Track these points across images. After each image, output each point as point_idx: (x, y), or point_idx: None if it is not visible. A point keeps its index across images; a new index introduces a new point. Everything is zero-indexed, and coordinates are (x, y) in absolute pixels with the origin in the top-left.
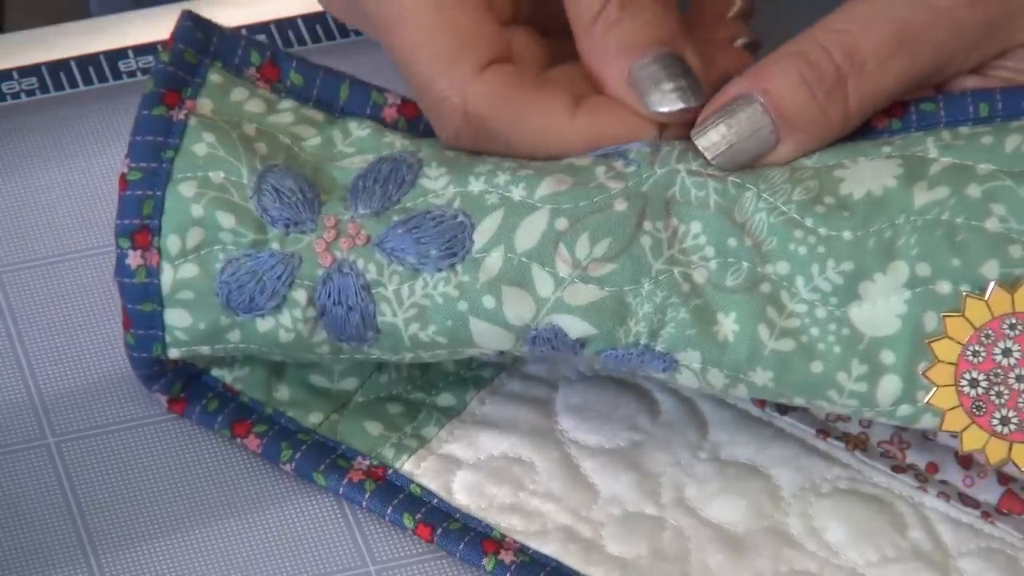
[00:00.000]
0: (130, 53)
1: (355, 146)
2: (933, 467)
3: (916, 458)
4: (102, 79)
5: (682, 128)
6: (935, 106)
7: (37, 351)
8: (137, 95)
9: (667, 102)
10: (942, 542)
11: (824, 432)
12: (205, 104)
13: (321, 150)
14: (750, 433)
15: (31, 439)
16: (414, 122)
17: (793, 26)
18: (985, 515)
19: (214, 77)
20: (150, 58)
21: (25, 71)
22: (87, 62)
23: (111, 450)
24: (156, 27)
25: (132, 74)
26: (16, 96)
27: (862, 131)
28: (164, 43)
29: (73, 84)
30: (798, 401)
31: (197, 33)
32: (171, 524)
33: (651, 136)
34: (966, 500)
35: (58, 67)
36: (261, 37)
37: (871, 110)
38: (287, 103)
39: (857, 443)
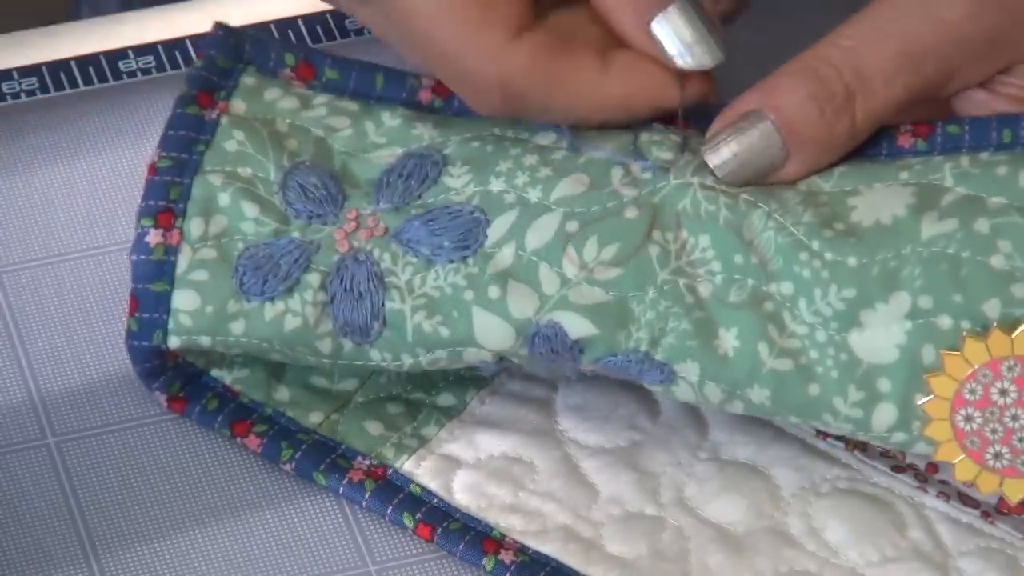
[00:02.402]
0: (130, 53)
1: (386, 136)
2: (933, 467)
3: (916, 458)
4: (102, 79)
5: (703, 81)
6: (960, 129)
7: (37, 351)
8: (137, 95)
9: (689, 59)
10: (942, 542)
11: (824, 432)
12: (238, 105)
13: (352, 142)
14: (750, 433)
15: (31, 439)
16: (449, 101)
17: (795, 31)
18: (985, 515)
19: (248, 80)
20: (150, 58)
21: (25, 71)
22: (87, 62)
23: (111, 450)
24: (156, 27)
25: (132, 74)
26: (16, 96)
27: (887, 150)
28: (191, 40)
29: (73, 84)
30: (794, 420)
31: (229, 41)
32: (171, 524)
33: (675, 91)
34: (966, 500)
35: (58, 67)
36: (270, 34)
37: (877, 125)
38: (322, 98)
39: (857, 443)
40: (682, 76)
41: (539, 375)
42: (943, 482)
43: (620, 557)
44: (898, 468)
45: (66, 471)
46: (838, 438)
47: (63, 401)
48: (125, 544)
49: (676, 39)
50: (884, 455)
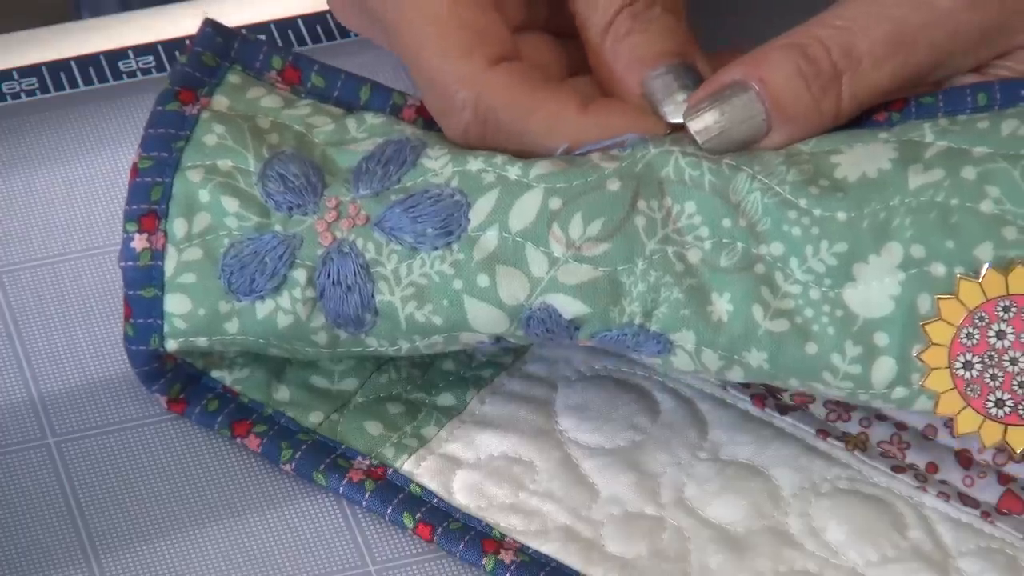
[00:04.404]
0: (130, 53)
1: (367, 132)
2: (933, 467)
3: (916, 458)
4: (102, 79)
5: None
6: (934, 99)
7: (37, 351)
8: (137, 95)
9: (680, 113)
10: (942, 542)
11: (824, 432)
12: (220, 101)
13: (333, 136)
14: (750, 433)
15: (31, 439)
16: (432, 122)
17: (788, 19)
18: (985, 515)
19: (232, 78)
20: (150, 58)
21: (25, 71)
22: (87, 62)
23: (111, 450)
24: (156, 27)
25: (132, 74)
26: (16, 96)
27: (861, 125)
28: (185, 41)
29: (73, 84)
30: (793, 383)
31: (217, 39)
32: (171, 524)
33: (657, 129)
34: (966, 500)
35: (58, 67)
36: (261, 37)
37: (863, 106)
38: (305, 100)
39: (857, 443)
40: (670, 124)
41: (539, 375)
42: (943, 482)
43: (620, 557)
44: (898, 468)
45: (66, 471)
46: (838, 438)
47: (63, 401)
48: (125, 544)
49: (667, 97)
50: (884, 455)
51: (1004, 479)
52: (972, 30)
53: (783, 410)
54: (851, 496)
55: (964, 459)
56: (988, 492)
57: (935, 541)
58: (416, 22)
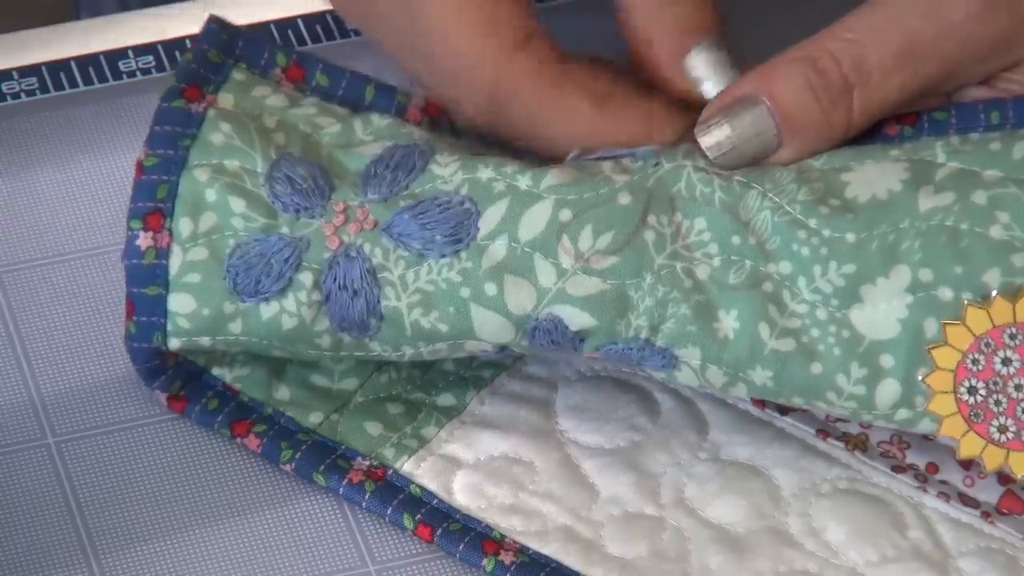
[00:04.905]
0: (130, 53)
1: (374, 134)
2: (933, 467)
3: (916, 458)
4: (102, 79)
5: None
6: (947, 115)
7: (37, 351)
8: (137, 95)
9: (717, 90)
10: (942, 542)
11: (824, 432)
12: (226, 99)
13: (339, 138)
14: (750, 433)
15: (31, 439)
16: (439, 119)
17: (791, 28)
18: (985, 515)
19: (237, 75)
20: (150, 58)
21: (25, 71)
22: (87, 62)
23: (111, 450)
24: (156, 27)
25: (132, 74)
26: (16, 96)
27: (873, 138)
28: (191, 40)
29: (73, 84)
30: (797, 402)
31: (222, 36)
32: (171, 524)
33: (670, 136)
34: (966, 500)
35: (58, 67)
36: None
37: (874, 119)
38: (311, 99)
39: (857, 443)
40: (679, 126)
41: (539, 375)
42: (943, 482)
43: (620, 558)
44: (898, 468)
45: (66, 471)
46: (838, 438)
47: (63, 401)
48: (125, 544)
49: (711, 70)
50: (884, 455)
51: (1004, 479)
52: (982, 41)
53: (783, 410)
54: (851, 496)
55: (964, 459)
56: (988, 492)
57: (935, 541)
58: (436, 4)
